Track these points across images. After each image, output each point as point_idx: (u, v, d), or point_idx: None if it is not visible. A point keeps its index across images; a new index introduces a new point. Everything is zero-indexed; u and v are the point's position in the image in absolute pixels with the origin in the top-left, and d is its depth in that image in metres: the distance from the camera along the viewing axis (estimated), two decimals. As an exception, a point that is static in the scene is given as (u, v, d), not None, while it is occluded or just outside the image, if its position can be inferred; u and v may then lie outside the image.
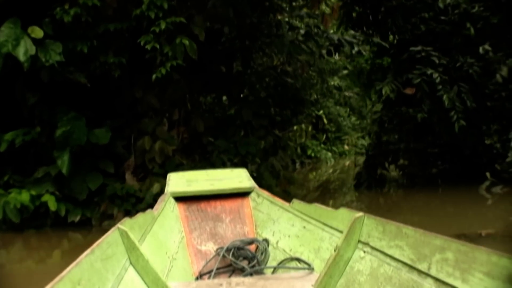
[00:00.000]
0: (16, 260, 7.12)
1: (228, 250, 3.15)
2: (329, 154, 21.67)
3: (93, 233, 8.10)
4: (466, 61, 10.12)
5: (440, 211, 9.10)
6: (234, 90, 10.87)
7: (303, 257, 2.79)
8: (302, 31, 10.59)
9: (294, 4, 11.89)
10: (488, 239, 6.35)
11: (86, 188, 8.43)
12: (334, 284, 2.23)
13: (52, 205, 8.02)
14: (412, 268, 1.86)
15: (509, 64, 10.02)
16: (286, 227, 3.21)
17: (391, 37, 11.80)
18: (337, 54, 13.71)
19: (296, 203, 3.20)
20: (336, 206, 2.73)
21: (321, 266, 2.47)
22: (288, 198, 3.62)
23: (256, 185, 3.91)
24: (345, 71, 18.22)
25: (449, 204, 9.65)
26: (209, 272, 3.05)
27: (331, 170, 19.71)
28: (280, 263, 2.94)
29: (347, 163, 21.13)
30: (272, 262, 3.07)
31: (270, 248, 3.21)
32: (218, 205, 3.76)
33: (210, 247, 3.40)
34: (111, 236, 2.12)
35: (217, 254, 3.19)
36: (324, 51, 11.41)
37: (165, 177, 8.46)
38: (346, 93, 21.79)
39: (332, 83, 19.06)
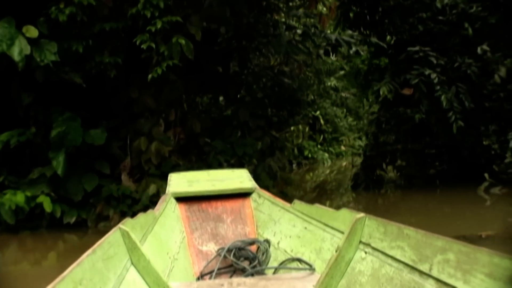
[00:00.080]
0: (11, 262, 7.05)
1: (229, 250, 3.16)
2: (326, 155, 21.64)
3: (89, 234, 8.09)
4: (464, 62, 10.10)
5: (438, 212, 9.08)
6: (231, 90, 10.83)
7: (304, 258, 2.81)
8: (299, 31, 10.53)
9: (291, 4, 11.85)
10: (489, 241, 6.31)
11: (81, 189, 8.37)
12: (335, 285, 2.23)
13: (48, 207, 7.97)
14: (413, 269, 1.87)
15: (507, 64, 10.02)
16: (287, 227, 3.22)
17: (388, 37, 11.76)
18: (334, 55, 13.69)
19: (297, 203, 3.21)
20: (333, 207, 2.76)
21: (322, 266, 2.47)
22: (285, 199, 3.63)
23: (257, 186, 3.93)
24: (341, 72, 18.23)
25: (447, 205, 9.62)
26: (210, 272, 3.06)
27: (328, 171, 19.67)
28: (281, 263, 2.94)
29: (344, 163, 21.19)
30: (273, 263, 3.08)
31: (271, 249, 3.22)
32: (219, 205, 3.77)
33: (211, 248, 3.41)
34: (113, 236, 2.14)
35: (218, 254, 3.20)
36: (321, 51, 11.37)
37: (161, 178, 8.52)
38: (343, 94, 21.88)
39: (329, 83, 19.10)
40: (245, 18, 9.93)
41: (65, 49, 7.92)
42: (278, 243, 3.22)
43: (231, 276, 3.04)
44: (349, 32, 11.56)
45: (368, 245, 2.23)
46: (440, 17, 10.75)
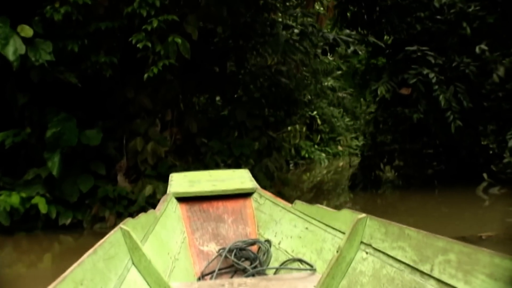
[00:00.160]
0: (6, 264, 7.00)
1: (230, 250, 3.18)
2: (323, 155, 21.65)
3: (84, 236, 8.08)
4: (462, 61, 10.08)
5: (436, 212, 9.06)
6: (227, 90, 10.83)
7: (305, 258, 2.82)
8: (296, 30, 10.49)
9: (288, 4, 11.82)
10: (489, 242, 6.27)
11: (77, 190, 8.34)
12: (336, 285, 2.24)
13: (43, 208, 7.93)
14: (414, 269, 1.87)
15: (506, 64, 9.98)
16: (288, 228, 3.23)
17: (386, 36, 11.74)
18: (331, 55, 13.66)
19: (298, 204, 3.22)
20: (331, 208, 2.78)
21: (323, 267, 2.47)
22: (283, 199, 3.65)
23: (258, 186, 3.97)
24: (338, 72, 18.22)
25: (446, 206, 9.61)
26: (211, 272, 3.09)
27: (325, 171, 19.70)
28: (282, 264, 2.97)
29: (341, 164, 21.26)
30: (274, 263, 3.10)
31: (272, 249, 3.23)
32: (220, 205, 3.81)
33: (212, 248, 3.43)
34: (114, 236, 2.16)
35: (219, 254, 3.23)
36: (319, 51, 11.33)
37: (157, 179, 8.48)
38: (340, 94, 21.90)
39: (326, 83, 19.11)
40: (242, 18, 9.92)
41: (60, 49, 7.88)
42: (279, 244, 3.22)
43: (232, 277, 3.06)
44: (347, 31, 11.52)
45: (369, 245, 2.23)
46: (438, 17, 10.75)
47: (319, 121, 22.61)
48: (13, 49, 7.33)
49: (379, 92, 10.23)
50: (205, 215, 3.70)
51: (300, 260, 2.84)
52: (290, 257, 2.97)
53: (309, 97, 15.48)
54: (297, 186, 13.96)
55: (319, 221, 2.85)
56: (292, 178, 13.94)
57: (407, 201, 10.76)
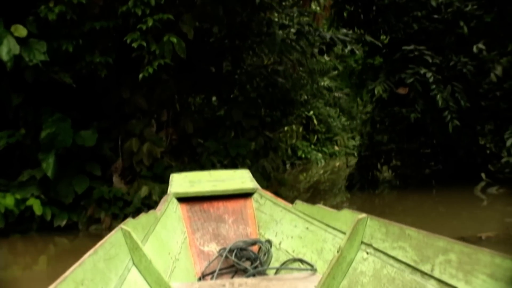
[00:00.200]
0: (1, 266, 7.00)
1: (230, 251, 3.20)
2: (320, 155, 21.68)
3: (80, 237, 8.06)
4: (459, 60, 10.05)
5: (434, 212, 9.04)
6: (223, 90, 10.82)
7: (306, 258, 2.84)
8: (293, 30, 10.47)
9: (284, 3, 11.79)
10: (489, 242, 6.23)
11: (72, 192, 8.29)
12: (337, 285, 2.25)
13: (38, 209, 7.91)
14: (415, 269, 1.89)
15: (503, 63, 9.97)
16: (288, 228, 3.25)
17: (383, 36, 11.72)
18: (327, 55, 13.63)
19: (299, 204, 3.24)
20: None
21: (324, 267, 2.50)
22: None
23: (258, 186, 3.99)
24: (335, 72, 18.21)
25: (443, 206, 9.59)
26: (212, 272, 3.11)
27: (321, 171, 19.70)
28: (283, 264, 2.99)
29: (338, 164, 21.29)
30: (274, 263, 3.13)
31: (272, 249, 3.26)
32: (221, 206, 3.83)
33: (212, 248, 3.46)
34: (114, 237, 2.17)
35: (220, 254, 3.25)
36: (316, 50, 11.30)
37: (153, 180, 8.45)
38: (336, 94, 21.93)
39: (322, 83, 19.12)
40: (238, 17, 9.90)
41: (55, 49, 7.83)
42: (279, 244, 3.23)
43: (232, 277, 3.08)
44: (344, 31, 11.51)
45: (369, 245, 2.25)
46: (435, 16, 10.72)
47: (315, 121, 22.64)
48: (7, 49, 7.27)
49: (376, 92, 10.19)
50: (206, 215, 3.71)
51: (301, 260, 2.85)
52: (291, 257, 2.97)
53: (306, 97, 15.49)
54: (293, 186, 13.94)
55: (319, 221, 2.86)
56: (288, 178, 13.94)
57: (404, 201, 10.73)
